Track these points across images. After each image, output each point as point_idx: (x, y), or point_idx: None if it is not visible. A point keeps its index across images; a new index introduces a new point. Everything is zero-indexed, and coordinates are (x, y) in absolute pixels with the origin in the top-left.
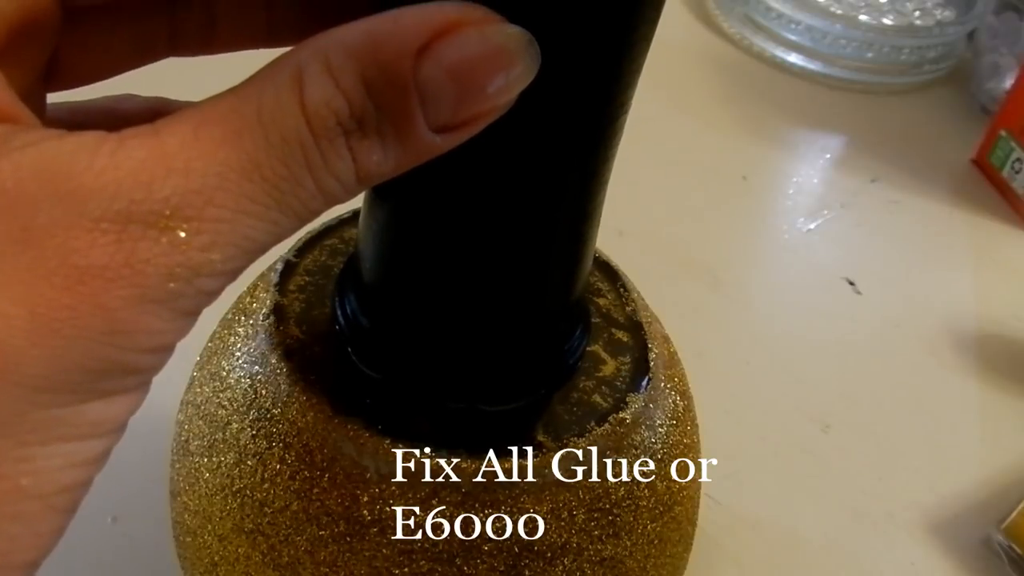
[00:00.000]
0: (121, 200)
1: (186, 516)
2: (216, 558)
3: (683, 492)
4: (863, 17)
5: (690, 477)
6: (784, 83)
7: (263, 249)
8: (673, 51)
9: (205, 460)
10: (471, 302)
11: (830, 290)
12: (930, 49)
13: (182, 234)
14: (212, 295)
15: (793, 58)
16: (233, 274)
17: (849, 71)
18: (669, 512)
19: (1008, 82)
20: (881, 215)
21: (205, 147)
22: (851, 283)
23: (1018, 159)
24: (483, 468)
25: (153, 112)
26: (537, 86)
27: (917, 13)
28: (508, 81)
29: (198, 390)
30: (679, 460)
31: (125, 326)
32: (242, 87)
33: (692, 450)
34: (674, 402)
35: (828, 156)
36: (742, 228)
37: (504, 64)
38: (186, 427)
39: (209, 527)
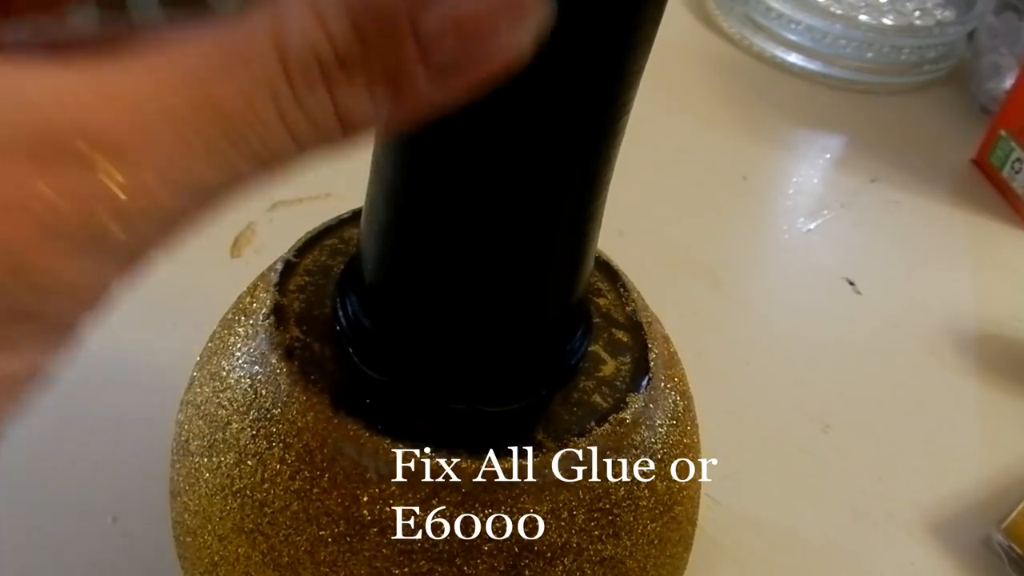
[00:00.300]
0: (52, 126)
1: (186, 516)
2: (216, 558)
3: (683, 492)
4: (863, 17)
5: (690, 477)
6: (784, 83)
7: (214, 192)
8: (673, 51)
9: (205, 460)
10: (473, 303)
11: (830, 290)
12: (930, 49)
13: (108, 167)
14: (151, 241)
15: (793, 58)
16: (177, 218)
17: (849, 71)
18: (669, 512)
19: (1008, 82)
20: (881, 215)
21: (161, 81)
22: (851, 283)
23: (1018, 159)
24: (483, 468)
25: None
26: (539, 87)
27: (917, 13)
28: (515, 27)
29: (198, 390)
30: (679, 460)
31: (54, 265)
32: (217, 23)
33: (692, 450)
34: (674, 402)
35: (828, 156)
36: (742, 228)
37: (511, 11)
38: (186, 427)
39: (209, 527)
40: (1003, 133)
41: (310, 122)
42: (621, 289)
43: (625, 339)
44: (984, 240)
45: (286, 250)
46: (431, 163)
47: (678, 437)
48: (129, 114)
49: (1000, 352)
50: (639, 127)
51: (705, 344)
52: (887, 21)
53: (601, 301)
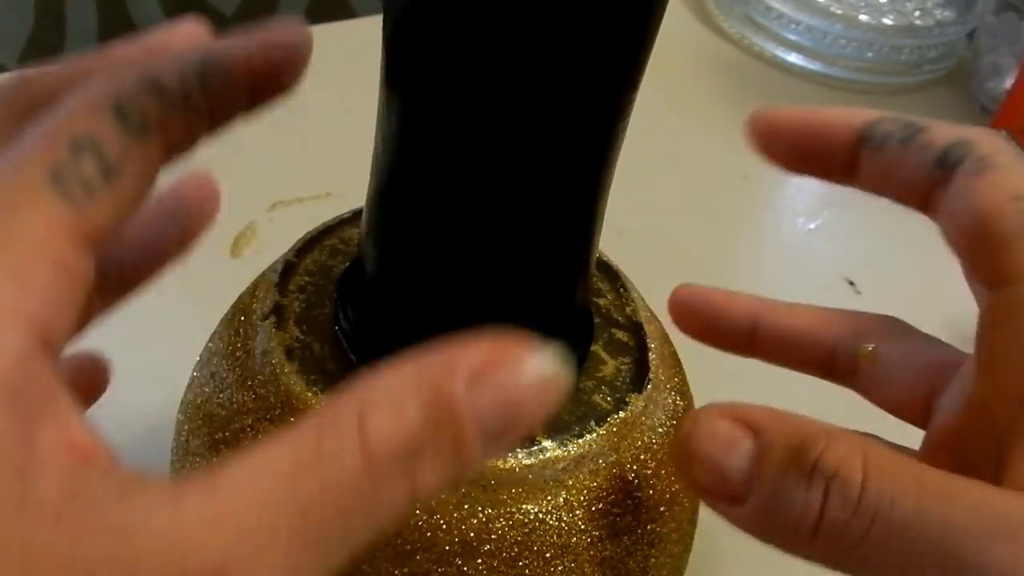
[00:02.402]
0: (174, 562)
1: None
2: None
3: (683, 492)
4: (863, 17)
5: None
6: (784, 83)
7: None
8: (673, 51)
9: (205, 460)
10: (474, 304)
11: (830, 290)
12: (930, 49)
13: None
14: None
15: (793, 58)
16: None
17: (849, 71)
18: (669, 512)
19: (1008, 82)
20: (881, 215)
21: (258, 497)
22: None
23: None
24: (483, 468)
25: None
26: (540, 89)
27: (917, 13)
28: (549, 402)
29: (198, 390)
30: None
31: None
32: (299, 426)
33: None
34: (674, 402)
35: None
36: (742, 228)
37: (546, 390)
38: (186, 427)
39: None
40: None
41: (389, 507)
42: (621, 289)
43: (625, 339)
44: None
45: (286, 250)
46: (433, 165)
47: None
48: (247, 542)
49: None
50: (639, 127)
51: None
52: (887, 21)
53: (601, 301)
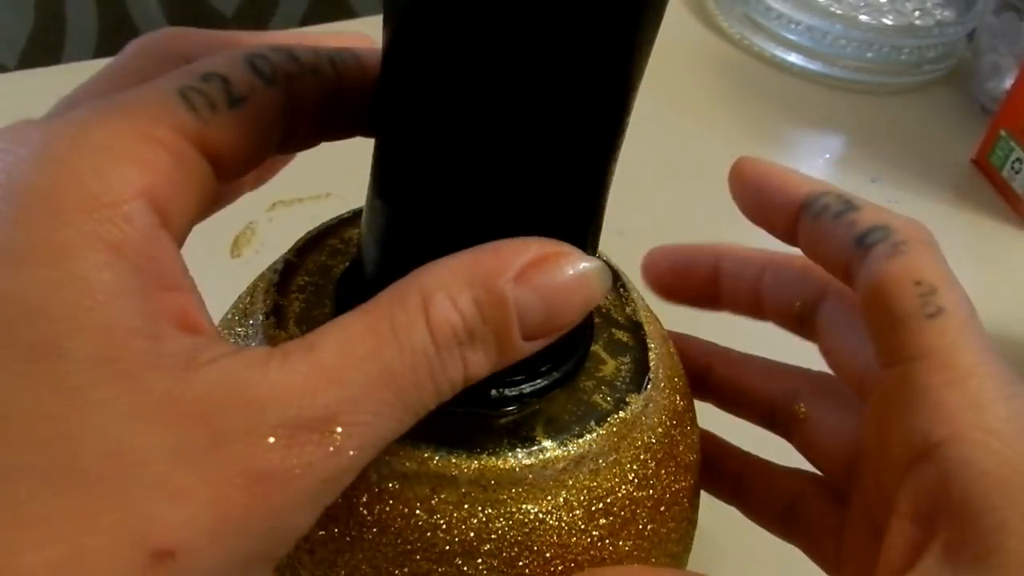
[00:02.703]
0: (292, 408)
1: None
2: None
3: (683, 492)
4: (863, 17)
5: (690, 477)
6: (784, 83)
7: (387, 443)
8: (673, 51)
9: None
10: None
11: None
12: (930, 49)
13: (338, 437)
14: (338, 493)
15: (793, 58)
16: (361, 468)
17: (849, 71)
18: (669, 512)
19: (1008, 82)
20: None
21: (351, 360)
22: None
23: (1018, 159)
24: (483, 468)
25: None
26: (541, 90)
27: (917, 13)
28: (585, 300)
29: None
30: (679, 460)
31: (284, 523)
32: (374, 306)
33: (692, 450)
34: (674, 402)
35: (828, 156)
36: (742, 228)
37: (585, 289)
38: None
39: None
40: (1003, 133)
41: (448, 379)
42: (621, 289)
43: (625, 339)
44: (984, 240)
45: (286, 250)
46: (435, 165)
47: (678, 437)
48: (348, 397)
49: (1000, 352)
50: (639, 127)
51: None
52: (887, 21)
53: (601, 301)
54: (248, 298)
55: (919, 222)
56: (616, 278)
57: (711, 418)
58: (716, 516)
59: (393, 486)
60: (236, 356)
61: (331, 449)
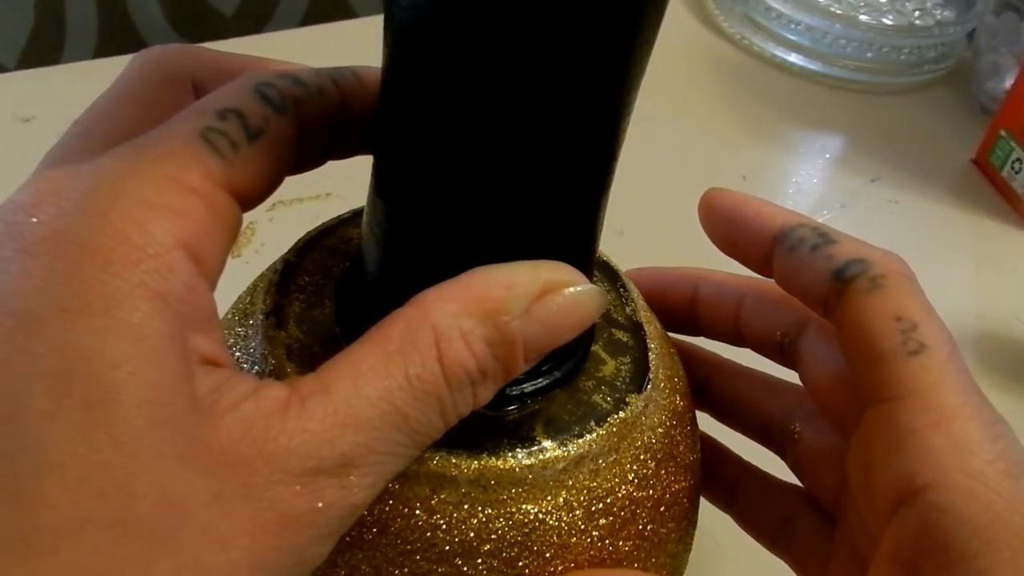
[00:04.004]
0: (312, 458)
1: None
2: None
3: (683, 492)
4: (863, 17)
5: (690, 477)
6: (784, 83)
7: (396, 475)
8: (673, 51)
9: None
10: None
11: None
12: (930, 49)
13: (353, 479)
14: (346, 527)
15: (793, 58)
16: (373, 498)
17: (849, 71)
18: (669, 512)
19: (1008, 82)
20: (881, 215)
21: (365, 403)
22: None
23: (1018, 159)
24: (483, 468)
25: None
26: (542, 90)
27: (917, 13)
28: (582, 322)
29: None
30: (679, 460)
31: (308, 556)
32: (385, 339)
33: (692, 450)
34: (674, 402)
35: (828, 156)
36: None
37: (583, 315)
38: None
39: None
40: (1003, 133)
41: (457, 414)
42: (621, 289)
43: (625, 339)
44: (984, 240)
45: (286, 250)
46: (436, 167)
47: (678, 437)
48: (363, 442)
49: (1000, 352)
50: (639, 127)
51: (705, 344)
52: (887, 21)
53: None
54: (248, 298)
55: (896, 255)
56: (616, 278)
57: (713, 422)
58: (716, 516)
59: (393, 486)
60: (257, 401)
61: (348, 490)
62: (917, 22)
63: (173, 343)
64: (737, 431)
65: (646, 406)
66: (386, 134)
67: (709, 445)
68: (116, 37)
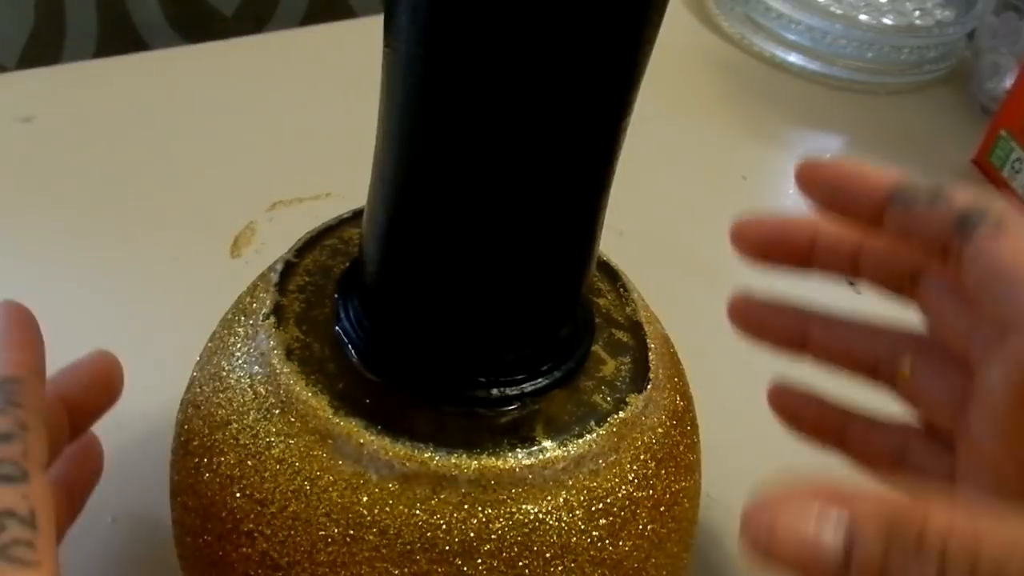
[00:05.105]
0: None
1: (186, 516)
2: (216, 558)
3: (683, 492)
4: (863, 17)
5: (690, 477)
6: (784, 83)
7: None
8: (673, 51)
9: (205, 460)
10: (475, 304)
11: (830, 290)
12: (930, 49)
13: None
14: None
15: (793, 58)
16: None
17: (849, 71)
18: (669, 512)
19: (1008, 82)
20: None
21: None
22: (851, 283)
23: (1018, 159)
24: (483, 468)
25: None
26: (542, 91)
27: (917, 13)
28: None
29: (198, 390)
30: (679, 460)
31: None
32: None
33: (692, 450)
34: (674, 402)
35: (828, 156)
36: None
37: None
38: (186, 427)
39: (209, 527)
40: (1003, 133)
41: None
42: (621, 289)
43: (625, 339)
44: None
45: (286, 250)
46: (436, 165)
47: (678, 437)
48: None
49: None
50: (639, 127)
51: (705, 344)
52: (887, 21)
53: (601, 301)
54: (248, 298)
55: (1006, 202)
56: (616, 278)
57: (711, 418)
58: (716, 516)
59: (393, 486)
60: None
61: None
62: (917, 22)
63: None
64: (842, 373)
65: (646, 406)
66: (386, 134)
67: (806, 401)
68: (116, 37)
